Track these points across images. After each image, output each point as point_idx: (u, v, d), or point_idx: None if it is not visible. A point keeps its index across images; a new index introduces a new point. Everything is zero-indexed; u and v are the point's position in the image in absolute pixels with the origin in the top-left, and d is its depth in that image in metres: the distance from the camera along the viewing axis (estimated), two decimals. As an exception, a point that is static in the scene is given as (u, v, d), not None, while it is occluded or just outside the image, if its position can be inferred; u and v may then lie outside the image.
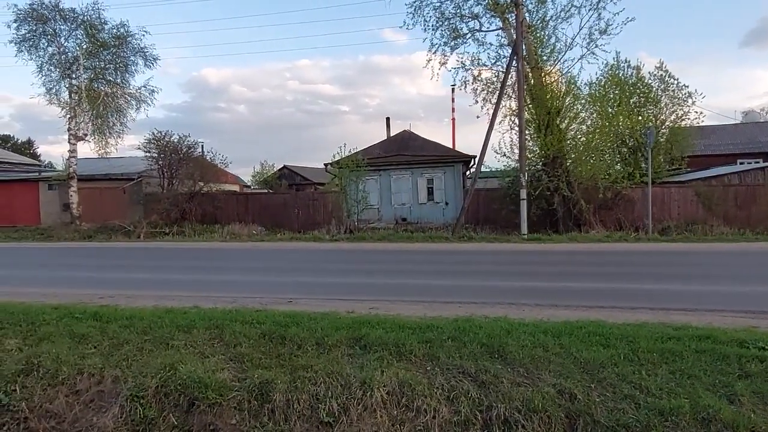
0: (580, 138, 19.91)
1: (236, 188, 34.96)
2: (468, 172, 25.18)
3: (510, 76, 19.61)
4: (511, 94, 21.77)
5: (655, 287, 8.96)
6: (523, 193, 18.50)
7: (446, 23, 22.49)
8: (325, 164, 24.96)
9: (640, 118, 24.14)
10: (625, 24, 20.36)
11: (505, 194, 20.82)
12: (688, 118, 26.08)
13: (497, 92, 22.65)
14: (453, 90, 53.40)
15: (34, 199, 26.35)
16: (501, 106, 21.45)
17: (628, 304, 7.46)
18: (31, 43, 23.51)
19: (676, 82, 25.78)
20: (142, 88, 25.14)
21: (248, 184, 47.89)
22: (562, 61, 21.05)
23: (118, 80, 25.20)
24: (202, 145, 26.88)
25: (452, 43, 22.56)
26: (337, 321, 6.45)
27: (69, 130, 23.42)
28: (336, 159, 22.59)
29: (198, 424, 4.97)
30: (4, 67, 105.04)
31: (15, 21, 22.93)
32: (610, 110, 22.03)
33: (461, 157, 24.42)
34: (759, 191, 20.84)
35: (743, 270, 11.35)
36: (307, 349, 5.70)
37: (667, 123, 25.97)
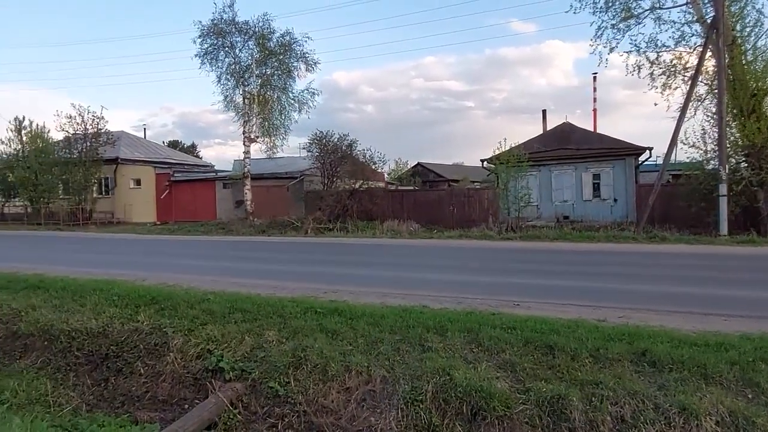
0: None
1: (382, 185, 35.70)
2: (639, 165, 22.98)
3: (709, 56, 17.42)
4: (698, 78, 19.41)
5: None
6: (723, 189, 16.28)
7: (618, 2, 20.73)
8: (481, 160, 24.39)
9: None
10: None
11: (693, 189, 18.49)
12: None
13: (679, 76, 20.42)
14: (594, 79, 49.83)
15: (212, 196, 29.13)
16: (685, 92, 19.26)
17: None
18: (212, 55, 25.88)
19: None
20: (305, 91, 26.43)
21: (392, 182, 48.87)
22: (765, 36, 18.27)
23: (283, 85, 26.81)
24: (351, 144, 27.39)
25: (622, 25, 20.72)
26: (597, 331, 5.81)
27: (243, 132, 25.44)
28: (496, 154, 21.86)
29: (486, 436, 4.67)
30: (165, 81, 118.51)
31: (199, 36, 25.39)
32: None
33: (632, 149, 22.29)
34: None
35: None
36: (584, 362, 5.17)
37: None
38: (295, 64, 26.47)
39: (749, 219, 17.60)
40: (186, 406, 5.95)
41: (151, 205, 30.45)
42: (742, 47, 18.00)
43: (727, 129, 17.82)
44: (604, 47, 20.82)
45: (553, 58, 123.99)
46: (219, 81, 26.24)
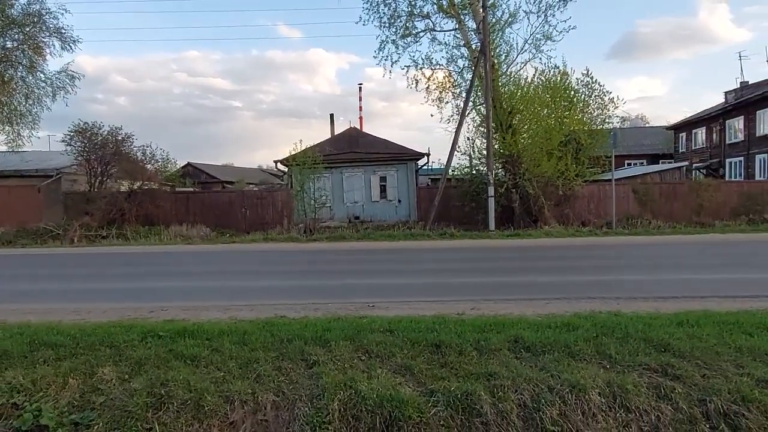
0: (536, 137, 20.83)
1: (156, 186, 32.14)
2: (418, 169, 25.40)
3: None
4: (464, 95, 22.43)
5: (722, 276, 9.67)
6: (491, 191, 19.05)
7: (398, 20, 22.66)
8: (275, 161, 24.00)
9: (566, 120, 25.83)
10: (567, 32, 21.91)
11: (465, 192, 21.24)
12: (611, 122, 28.45)
13: (449, 92, 23.29)
14: (360, 89, 54.07)
15: None
16: (457, 105, 22.13)
17: (696, 294, 7.96)
18: None
19: (600, 88, 27.93)
20: (62, 74, 22.13)
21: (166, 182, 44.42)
22: (515, 63, 22.10)
23: (29, 63, 21.98)
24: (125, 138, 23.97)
25: (402, 42, 22.76)
26: (465, 324, 6.12)
27: (-26, 118, 20.05)
28: (291, 155, 21.65)
29: (404, 446, 4.46)
30: None
31: None
32: (542, 113, 23.37)
33: (413, 154, 24.56)
34: (678, 188, 23.44)
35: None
36: (471, 356, 5.35)
37: (591, 126, 28.07)
38: (46, 39, 21.98)
39: (506, 216, 20.98)
40: (-9, 488, 4.31)
41: None
42: (499, 71, 21.38)
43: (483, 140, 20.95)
44: (386, 60, 22.61)
45: (318, 66, 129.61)
46: (-69, 49, 20.20)
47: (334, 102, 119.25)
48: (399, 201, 24.38)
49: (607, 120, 28.34)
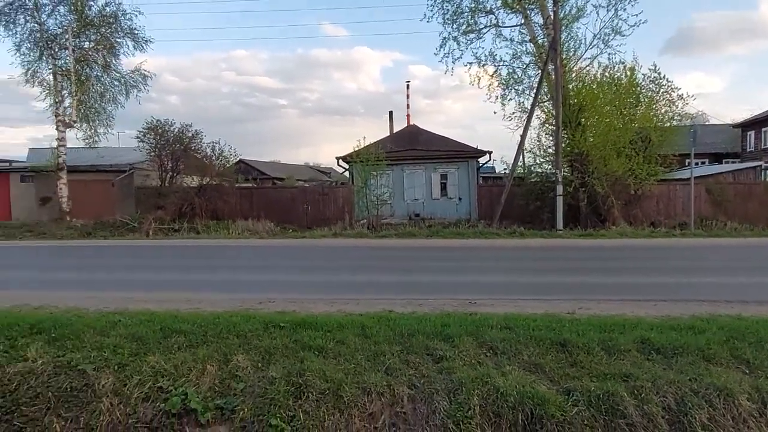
0: (606, 135, 20.22)
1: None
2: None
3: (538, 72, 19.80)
4: (528, 92, 22.11)
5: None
6: (560, 189, 18.63)
7: (461, 17, 22.52)
8: (337, 158, 24.20)
9: (634, 117, 24.95)
10: (638, 26, 21.19)
11: (530, 190, 20.86)
12: (680, 119, 27.33)
13: (513, 89, 22.95)
14: (408, 86, 53.98)
15: (5, 192, 23.56)
16: (520, 102, 21.80)
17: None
18: (7, 17, 20.95)
19: (669, 84, 26.87)
20: (136, 73, 23.04)
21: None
22: (583, 59, 21.58)
23: (104, 62, 22.98)
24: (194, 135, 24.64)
25: (464, 38, 22.60)
26: (581, 324, 6.00)
27: (57, 116, 21.10)
28: (355, 151, 21.85)
29: (549, 444, 4.42)
30: None
31: (-12, -10, 20.37)
32: (608, 109, 22.62)
33: (475, 152, 24.35)
34: (754, 189, 22.34)
35: None
36: (600, 356, 5.25)
37: (659, 123, 27.04)
38: (120, 40, 22.93)
39: (572, 215, 20.47)
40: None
41: None
42: (567, 67, 20.89)
43: (551, 138, 20.51)
44: (447, 57, 22.53)
45: (362, 64, 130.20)
46: (18, 50, 21.43)
47: (378, 100, 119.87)
48: (459, 199, 24.20)
49: (675, 117, 27.29)
